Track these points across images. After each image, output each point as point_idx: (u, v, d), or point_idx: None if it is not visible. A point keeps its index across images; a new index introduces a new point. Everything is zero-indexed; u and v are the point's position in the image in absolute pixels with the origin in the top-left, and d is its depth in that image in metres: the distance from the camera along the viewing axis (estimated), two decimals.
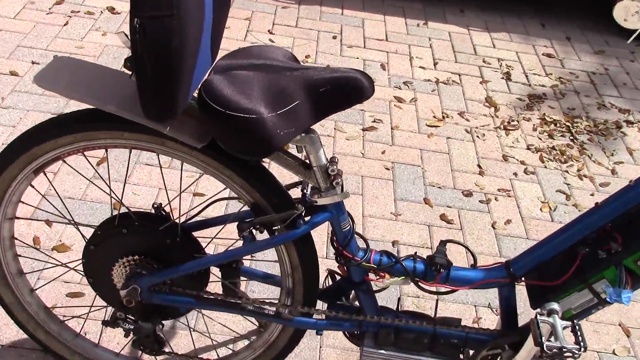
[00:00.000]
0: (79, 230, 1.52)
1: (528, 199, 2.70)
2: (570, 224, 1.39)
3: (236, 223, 1.44)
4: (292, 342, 1.64)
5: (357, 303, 1.61)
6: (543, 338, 1.31)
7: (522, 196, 2.71)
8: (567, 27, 4.24)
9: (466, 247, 1.51)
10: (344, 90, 1.23)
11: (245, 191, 1.40)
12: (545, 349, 1.29)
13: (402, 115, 3.10)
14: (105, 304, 1.65)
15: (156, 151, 1.39)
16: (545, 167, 2.91)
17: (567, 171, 2.91)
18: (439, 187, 2.68)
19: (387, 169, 2.73)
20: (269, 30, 3.60)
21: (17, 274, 1.61)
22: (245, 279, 1.80)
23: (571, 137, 3.14)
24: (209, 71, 1.30)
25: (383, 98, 3.20)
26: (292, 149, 1.37)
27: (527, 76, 3.60)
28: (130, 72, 1.15)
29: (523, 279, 1.46)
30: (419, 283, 1.47)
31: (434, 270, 1.45)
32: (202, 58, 1.22)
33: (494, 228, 2.52)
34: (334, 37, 3.65)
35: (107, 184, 1.47)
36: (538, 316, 1.36)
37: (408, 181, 2.68)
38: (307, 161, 1.35)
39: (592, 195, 2.78)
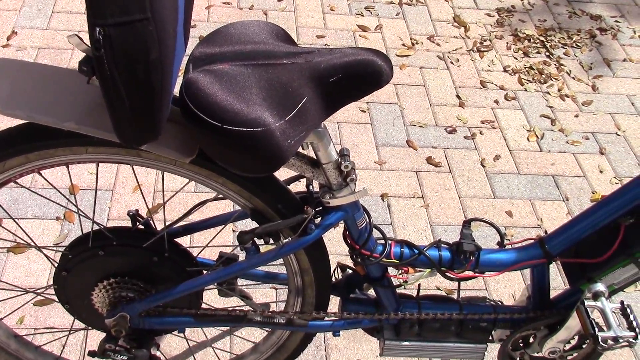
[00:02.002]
0: (45, 255, 1.28)
1: (513, 129, 2.55)
2: (611, 197, 1.24)
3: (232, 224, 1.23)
4: (304, 343, 1.48)
5: (372, 292, 1.45)
6: (596, 329, 1.18)
7: (507, 126, 2.56)
8: None
9: (492, 225, 1.34)
10: (359, 78, 1.00)
11: (243, 198, 1.18)
12: (600, 341, 1.16)
13: (369, 46, 2.85)
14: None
15: (129, 163, 1.14)
16: (526, 90, 2.75)
17: (548, 92, 2.76)
18: (421, 126, 2.49)
19: (363, 111, 2.52)
20: None
21: None
22: (245, 280, 1.61)
23: (547, 53, 2.97)
24: (185, 63, 1.05)
25: (346, 28, 2.93)
26: None
27: None
28: (87, 77, 0.90)
29: (559, 257, 1.32)
30: (447, 273, 1.31)
31: (462, 258, 1.29)
32: (178, 49, 0.97)
33: (483, 166, 2.37)
34: None
35: (72, 202, 1.23)
36: (585, 302, 1.23)
37: (387, 123, 2.49)
38: (315, 157, 1.14)
39: (576, 116, 2.66)
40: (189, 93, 0.96)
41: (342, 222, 1.23)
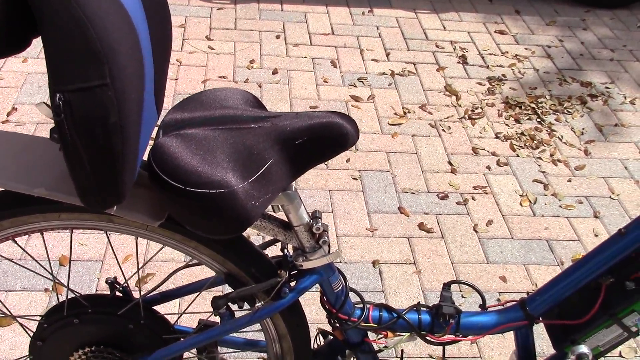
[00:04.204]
0: (20, 324, 1.27)
1: (506, 194, 2.55)
2: (591, 254, 1.23)
3: (208, 292, 1.22)
4: None
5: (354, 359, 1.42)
6: None
7: (500, 191, 2.56)
8: None
9: (473, 287, 1.33)
10: (324, 140, 1.02)
11: (217, 262, 1.18)
12: None
13: (361, 115, 2.90)
14: None
15: (103, 229, 1.15)
16: (518, 155, 2.77)
17: (540, 158, 2.77)
18: (413, 193, 2.50)
19: (355, 178, 2.54)
20: (206, 37, 3.33)
21: None
22: (225, 348, 1.58)
23: (538, 120, 3.01)
24: (156, 129, 1.07)
25: (339, 99, 2.99)
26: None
27: (483, 57, 3.45)
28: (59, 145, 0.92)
29: (541, 318, 1.29)
30: (427, 337, 1.28)
31: (442, 321, 1.27)
32: (147, 115, 0.99)
33: (476, 231, 2.36)
34: (277, 37, 3.41)
35: (47, 269, 1.23)
36: None
37: (379, 190, 2.50)
38: (286, 220, 1.14)
39: (569, 181, 2.66)
40: (156, 157, 0.98)
41: (318, 285, 1.22)
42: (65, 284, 1.93)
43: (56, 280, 1.48)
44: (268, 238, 1.24)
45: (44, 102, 0.91)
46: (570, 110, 3.09)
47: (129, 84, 0.84)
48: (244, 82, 3.01)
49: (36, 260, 1.29)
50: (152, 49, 0.99)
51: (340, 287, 1.23)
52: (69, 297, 1.24)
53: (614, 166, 2.77)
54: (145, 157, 1.04)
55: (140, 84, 0.89)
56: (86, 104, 0.80)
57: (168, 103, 2.78)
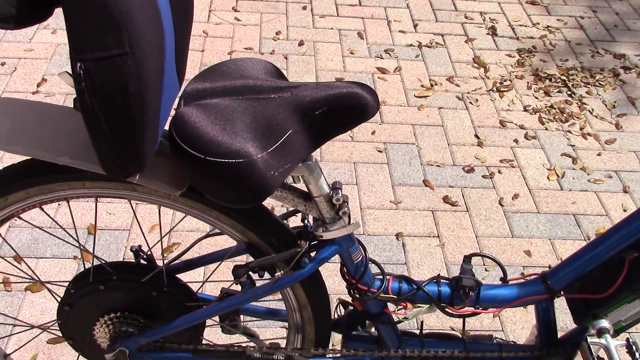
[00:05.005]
0: (49, 289, 1.31)
1: (533, 168, 2.52)
2: (615, 228, 1.21)
3: (231, 261, 1.24)
4: None
5: (374, 329, 1.43)
6: None
7: (527, 165, 2.53)
8: None
9: (494, 259, 1.32)
10: (344, 110, 1.02)
11: (237, 231, 1.19)
12: None
13: (387, 88, 2.88)
14: None
15: (126, 198, 1.17)
16: (546, 129, 2.73)
17: (569, 131, 2.72)
18: (438, 166, 2.48)
19: (380, 151, 2.53)
20: (233, 8, 3.32)
21: None
22: (246, 317, 1.60)
23: (569, 92, 2.95)
24: (177, 99, 1.08)
25: (365, 71, 2.97)
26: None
27: (513, 29, 3.38)
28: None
29: (563, 292, 1.28)
30: (447, 309, 1.28)
31: (462, 293, 1.27)
32: (168, 85, 1.00)
33: (501, 205, 2.34)
34: (304, 8, 3.38)
35: (73, 237, 1.26)
36: (589, 338, 1.19)
37: (404, 162, 2.49)
38: (307, 191, 1.14)
39: (599, 155, 2.61)
40: (176, 127, 0.98)
41: (337, 256, 1.23)
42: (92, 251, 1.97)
43: (82, 248, 1.51)
44: (290, 208, 1.25)
45: (66, 71, 0.92)
46: (602, 82, 3.03)
47: (148, 53, 0.85)
48: (270, 53, 3.00)
49: (64, 229, 1.32)
50: (172, 19, 1.00)
51: (360, 258, 1.24)
52: (94, 264, 1.27)
53: None
54: (166, 127, 1.05)
55: (160, 54, 0.90)
56: (106, 73, 0.81)
57: (194, 74, 2.79)
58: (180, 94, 1.09)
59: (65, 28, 0.80)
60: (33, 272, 1.39)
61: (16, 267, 1.45)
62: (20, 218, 1.23)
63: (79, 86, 0.82)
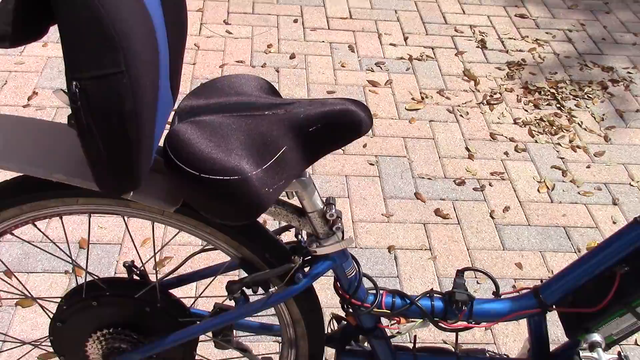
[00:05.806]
0: (40, 305, 1.30)
1: (523, 180, 2.54)
2: (606, 242, 1.22)
3: (225, 275, 1.24)
4: None
5: (367, 344, 1.44)
6: None
7: (517, 177, 2.55)
8: None
9: (486, 274, 1.33)
10: (337, 127, 1.02)
11: (232, 247, 1.20)
12: None
13: (378, 101, 2.89)
14: None
15: (120, 214, 1.17)
16: (536, 141, 2.75)
17: (559, 143, 2.75)
18: (429, 179, 2.50)
19: (372, 164, 2.54)
20: (224, 21, 3.33)
21: None
22: (240, 332, 1.60)
23: (558, 105, 2.98)
24: (171, 115, 1.08)
25: (356, 84, 2.99)
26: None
27: (502, 42, 3.41)
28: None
29: (555, 306, 1.29)
30: (440, 324, 1.29)
31: (455, 308, 1.27)
32: (163, 102, 1.00)
33: (492, 218, 2.36)
34: (295, 21, 3.40)
35: (65, 252, 1.26)
36: (581, 352, 1.20)
37: (395, 175, 2.50)
38: (300, 206, 1.15)
39: (588, 167, 2.63)
40: (171, 143, 0.99)
41: (331, 271, 1.23)
42: (85, 266, 1.96)
43: (74, 264, 1.51)
44: (283, 224, 1.26)
45: (61, 89, 0.92)
46: (590, 95, 3.06)
47: (144, 71, 0.85)
48: (262, 66, 3.01)
49: (55, 244, 1.32)
50: (167, 35, 1.00)
51: (353, 273, 1.24)
52: (87, 280, 1.27)
53: (634, 152, 2.74)
54: (160, 144, 1.05)
55: (155, 71, 0.90)
56: (102, 92, 0.82)
57: (186, 88, 2.79)
58: (174, 110, 1.09)
59: (61, 46, 0.81)
60: (24, 287, 1.38)
61: (7, 282, 1.44)
62: (13, 234, 1.23)
63: (74, 105, 0.83)
